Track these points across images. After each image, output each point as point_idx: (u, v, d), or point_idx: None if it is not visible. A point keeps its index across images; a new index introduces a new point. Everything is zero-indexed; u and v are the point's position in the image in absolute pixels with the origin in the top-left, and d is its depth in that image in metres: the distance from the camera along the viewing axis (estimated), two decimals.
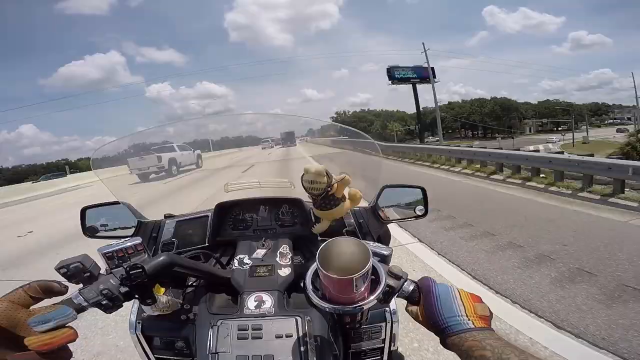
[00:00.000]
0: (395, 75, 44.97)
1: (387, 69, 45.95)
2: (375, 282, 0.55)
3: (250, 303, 0.78)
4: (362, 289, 0.52)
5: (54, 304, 0.53)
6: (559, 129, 59.57)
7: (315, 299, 0.55)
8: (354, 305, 0.53)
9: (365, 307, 0.54)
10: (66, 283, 0.61)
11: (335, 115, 71.49)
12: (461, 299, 0.54)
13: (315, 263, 0.52)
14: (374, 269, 0.56)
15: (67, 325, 0.51)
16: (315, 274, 0.57)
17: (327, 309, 0.54)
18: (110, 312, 0.61)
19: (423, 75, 44.27)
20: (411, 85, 44.62)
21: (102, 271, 0.65)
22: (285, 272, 0.87)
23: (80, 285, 0.61)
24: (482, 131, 61.87)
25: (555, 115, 60.73)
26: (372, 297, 0.54)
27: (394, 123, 64.67)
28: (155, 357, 0.87)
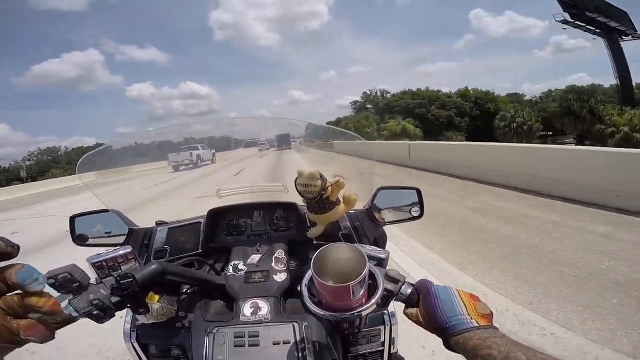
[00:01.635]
0: (586, 7, 24.54)
1: None
2: (372, 287, 0.55)
3: (246, 309, 0.76)
4: (360, 295, 0.51)
5: (17, 264, 0.43)
6: None
7: (312, 307, 0.53)
8: (352, 312, 0.52)
9: (363, 314, 0.52)
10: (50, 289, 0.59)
11: (361, 99, 43.02)
12: (461, 298, 0.53)
13: (310, 270, 0.51)
14: (370, 273, 0.55)
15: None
16: (311, 280, 0.56)
17: (324, 317, 0.53)
18: (102, 322, 0.60)
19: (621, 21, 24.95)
20: (597, 34, 26.12)
21: (92, 281, 0.63)
22: (281, 277, 0.85)
23: (70, 296, 0.60)
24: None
25: None
26: (370, 303, 0.53)
27: None
28: None
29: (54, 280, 0.59)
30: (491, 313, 0.52)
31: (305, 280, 0.57)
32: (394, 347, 0.92)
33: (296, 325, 0.72)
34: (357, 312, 0.52)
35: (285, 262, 0.91)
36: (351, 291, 0.49)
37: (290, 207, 1.06)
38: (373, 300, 0.53)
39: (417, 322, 0.57)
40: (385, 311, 0.89)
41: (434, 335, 0.54)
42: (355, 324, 0.64)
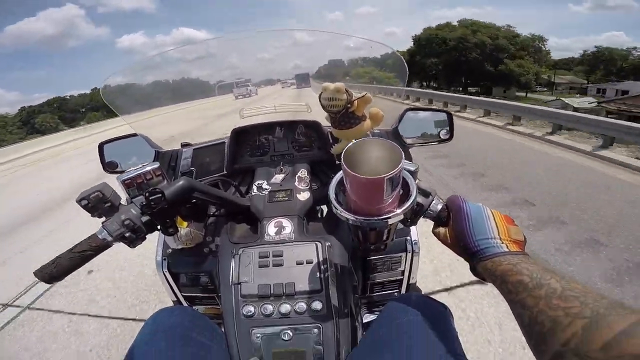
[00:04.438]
0: None
1: None
2: (403, 197, 0.51)
3: (270, 229, 0.78)
4: (391, 200, 0.47)
5: None
6: None
7: (340, 210, 0.51)
8: (381, 217, 0.48)
9: (392, 220, 0.49)
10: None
11: None
12: (494, 220, 0.49)
13: (341, 165, 0.46)
14: (403, 180, 0.50)
15: None
16: (339, 185, 0.53)
17: (351, 221, 0.50)
18: (134, 246, 0.61)
19: None
20: None
21: (123, 201, 0.64)
22: (304, 196, 0.86)
23: (103, 219, 0.61)
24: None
25: None
26: (400, 210, 0.49)
27: None
28: (182, 294, 0.91)
29: (87, 202, 0.60)
30: (525, 239, 0.49)
31: (333, 183, 0.54)
32: (412, 278, 0.93)
33: (319, 245, 0.72)
34: (386, 218, 0.48)
35: (308, 181, 0.91)
36: (385, 188, 0.44)
37: (313, 125, 1.03)
38: (404, 208, 0.49)
39: (444, 242, 0.54)
40: (407, 238, 0.88)
41: None
42: (383, 238, 0.59)
